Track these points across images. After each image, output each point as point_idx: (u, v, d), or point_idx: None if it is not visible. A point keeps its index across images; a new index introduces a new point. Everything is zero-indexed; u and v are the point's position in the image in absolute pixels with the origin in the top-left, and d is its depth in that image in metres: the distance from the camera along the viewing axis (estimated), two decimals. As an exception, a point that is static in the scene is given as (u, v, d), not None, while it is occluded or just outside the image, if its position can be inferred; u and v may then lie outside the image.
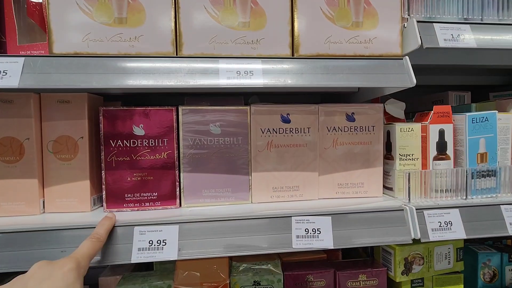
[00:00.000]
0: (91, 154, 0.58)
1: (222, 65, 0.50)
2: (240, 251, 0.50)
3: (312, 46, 0.55)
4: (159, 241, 0.50)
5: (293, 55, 0.55)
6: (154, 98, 0.87)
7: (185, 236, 0.50)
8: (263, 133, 0.60)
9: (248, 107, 0.60)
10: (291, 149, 0.61)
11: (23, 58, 0.47)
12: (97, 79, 0.49)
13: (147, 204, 0.57)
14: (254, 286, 0.60)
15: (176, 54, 0.52)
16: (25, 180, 0.55)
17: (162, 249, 0.49)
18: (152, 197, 0.58)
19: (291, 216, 0.53)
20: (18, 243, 0.48)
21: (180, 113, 0.58)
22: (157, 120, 0.57)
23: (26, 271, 0.43)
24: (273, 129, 0.60)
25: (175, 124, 0.57)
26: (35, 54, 0.51)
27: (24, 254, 0.48)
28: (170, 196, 0.58)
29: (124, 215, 0.55)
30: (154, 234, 0.50)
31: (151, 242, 0.50)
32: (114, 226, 0.50)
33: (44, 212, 0.57)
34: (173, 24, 0.52)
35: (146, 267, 0.73)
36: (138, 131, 0.57)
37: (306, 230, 0.52)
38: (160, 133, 0.57)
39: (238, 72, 0.50)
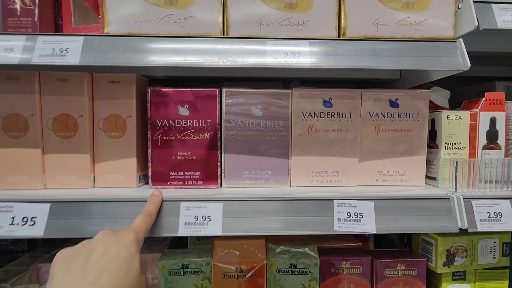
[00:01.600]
0: (138, 133, 0.60)
1: (270, 46, 0.50)
2: (282, 230, 0.51)
3: (359, 28, 0.54)
4: (204, 217, 0.51)
5: (339, 37, 0.55)
6: (193, 84, 0.89)
7: (228, 213, 0.52)
8: (304, 117, 0.60)
9: (290, 90, 0.60)
10: (332, 133, 0.60)
11: (82, 37, 0.49)
12: (149, 57, 0.50)
13: (190, 182, 0.59)
14: (290, 268, 0.61)
15: (224, 35, 0.53)
16: (78, 155, 0.58)
17: (207, 225, 0.51)
18: (195, 176, 0.59)
19: (332, 200, 0.53)
20: (74, 212, 0.51)
21: (223, 95, 0.59)
22: (201, 102, 0.58)
23: (80, 239, 0.46)
24: (314, 113, 0.60)
25: (218, 106, 0.59)
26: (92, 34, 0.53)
27: (79, 222, 0.51)
28: (212, 176, 0.60)
29: (169, 191, 0.57)
30: (199, 210, 0.52)
31: (196, 217, 0.51)
32: (164, 201, 0.52)
33: (94, 186, 0.60)
34: (221, 5, 0.53)
35: (180, 247, 0.76)
36: (183, 111, 0.58)
37: (348, 213, 0.52)
38: (204, 114, 0.58)
39: (286, 53, 0.50)
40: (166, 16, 0.52)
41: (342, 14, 0.54)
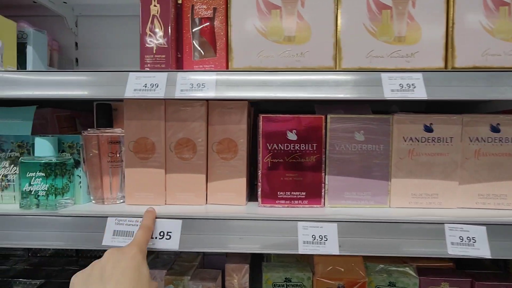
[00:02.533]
0: (247, 155, 0.66)
1: (385, 79, 0.54)
2: (397, 252, 0.54)
3: (468, 59, 0.56)
4: (321, 237, 0.55)
5: (446, 68, 0.57)
6: (283, 105, 0.93)
7: (343, 233, 0.55)
8: (405, 141, 0.62)
9: (391, 116, 0.63)
10: (432, 157, 0.62)
11: (215, 74, 0.56)
12: (265, 90, 0.56)
13: (296, 202, 0.64)
14: (389, 286, 0.63)
15: (336, 68, 0.58)
16: (195, 175, 0.64)
17: (325, 244, 0.55)
18: (301, 196, 0.64)
19: (443, 223, 0.55)
20: (206, 229, 0.56)
21: (328, 121, 0.63)
22: (308, 127, 0.63)
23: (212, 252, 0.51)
24: (415, 137, 0.62)
25: (323, 131, 0.63)
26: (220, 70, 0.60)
27: (208, 238, 0.56)
28: (316, 195, 0.64)
29: (278, 210, 0.62)
30: (316, 230, 0.56)
31: (313, 236, 0.55)
32: (280, 220, 0.57)
33: (207, 203, 0.66)
34: (334, 40, 0.57)
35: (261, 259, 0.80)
36: (292, 136, 0.63)
37: (461, 237, 0.54)
38: (310, 139, 0.63)
39: (401, 85, 0.53)
40: (284, 52, 0.57)
41: (449, 44, 0.57)
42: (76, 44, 1.09)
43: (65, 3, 1.01)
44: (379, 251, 0.55)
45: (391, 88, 0.53)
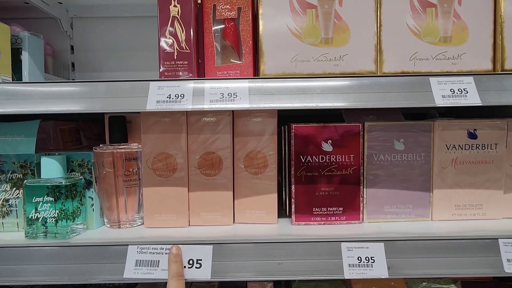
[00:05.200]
0: (277, 169, 0.60)
1: (434, 84, 0.49)
2: (451, 273, 0.49)
3: (518, 60, 0.52)
4: (367, 258, 0.50)
5: (494, 70, 0.53)
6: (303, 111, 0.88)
7: (391, 253, 0.51)
8: (448, 149, 0.58)
9: (432, 122, 0.58)
10: (476, 165, 0.58)
11: (247, 81, 0.50)
12: (304, 99, 0.50)
13: (333, 218, 0.59)
14: (432, 305, 0.59)
15: (378, 72, 0.53)
16: (221, 192, 0.59)
17: (372, 266, 0.50)
18: (338, 212, 0.59)
19: (498, 238, 0.51)
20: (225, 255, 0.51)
21: (365, 129, 0.58)
22: (345, 136, 0.58)
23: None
24: (458, 145, 0.58)
25: (361, 140, 0.58)
26: (255, 77, 0.54)
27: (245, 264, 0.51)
28: (354, 211, 0.59)
29: (314, 228, 0.56)
30: (361, 251, 0.51)
31: (359, 258, 0.50)
32: (322, 241, 0.51)
33: (234, 222, 0.61)
34: (375, 42, 0.52)
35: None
36: (327, 147, 0.58)
37: (517, 254, 0.50)
38: (347, 149, 0.58)
39: (452, 91, 0.49)
40: (321, 55, 0.52)
41: (498, 45, 0.53)
42: (72, 47, 1.01)
43: (60, 3, 0.93)
44: (430, 272, 0.51)
45: (442, 93, 0.49)
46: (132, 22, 1.00)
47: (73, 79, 1.04)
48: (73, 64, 1.04)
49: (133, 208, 0.60)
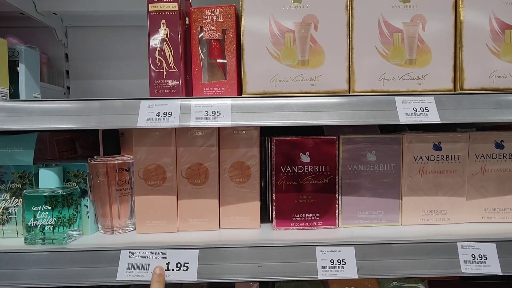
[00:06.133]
0: (259, 179, 0.65)
1: (399, 103, 0.54)
2: (414, 274, 0.55)
3: (477, 81, 0.58)
4: (339, 261, 0.56)
5: (455, 90, 0.58)
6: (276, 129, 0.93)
7: (360, 256, 0.56)
8: (415, 160, 0.64)
9: (401, 135, 0.64)
10: (441, 175, 0.64)
11: (230, 100, 0.54)
12: (282, 116, 0.55)
13: (311, 224, 0.64)
14: (402, 302, 0.65)
15: (350, 91, 0.58)
16: (208, 200, 0.63)
17: (343, 268, 0.55)
18: (315, 218, 0.64)
19: (456, 242, 0.57)
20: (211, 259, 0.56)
21: (340, 142, 0.63)
22: (321, 149, 0.63)
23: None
24: (425, 156, 0.64)
25: (336, 152, 0.63)
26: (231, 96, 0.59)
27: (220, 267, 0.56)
28: (330, 216, 0.64)
29: (294, 233, 0.61)
30: (333, 254, 0.56)
31: (332, 261, 0.55)
32: (298, 246, 0.56)
33: (220, 228, 0.65)
34: (347, 64, 0.57)
35: None
36: (305, 158, 0.63)
37: (473, 255, 0.56)
38: (323, 160, 0.63)
39: (415, 109, 0.54)
40: (298, 76, 0.56)
41: (459, 66, 0.58)
42: (67, 55, 1.05)
43: (55, 14, 0.96)
44: (396, 273, 0.56)
45: (406, 112, 0.54)
46: (124, 31, 1.04)
47: (67, 87, 1.07)
48: (67, 72, 1.07)
49: (126, 215, 0.64)
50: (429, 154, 0.64)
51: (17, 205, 0.60)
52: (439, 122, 0.53)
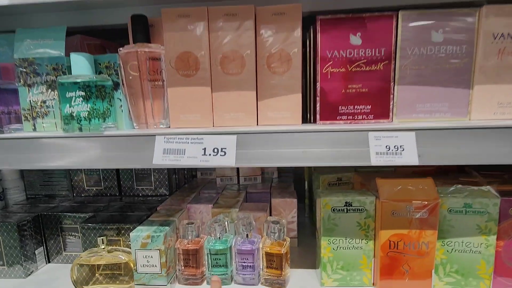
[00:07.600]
0: (302, 67, 0.58)
1: None
2: (483, 161, 0.46)
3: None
4: (396, 147, 0.49)
5: None
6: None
7: (421, 143, 0.48)
8: (495, 38, 0.52)
9: (479, 9, 0.52)
10: (527, 57, 0.52)
11: None
12: None
13: (360, 117, 0.56)
14: (464, 208, 0.57)
15: None
16: (245, 92, 0.58)
17: (401, 154, 0.48)
18: (365, 110, 0.56)
19: (546, 127, 0.47)
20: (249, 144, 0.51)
21: (399, 19, 0.53)
22: (376, 28, 0.53)
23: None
24: (508, 34, 0.52)
25: (394, 32, 0.54)
26: None
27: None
28: (383, 110, 0.56)
29: (340, 127, 0.53)
30: (390, 140, 0.49)
31: (388, 147, 0.49)
32: (348, 131, 0.50)
33: (257, 124, 0.60)
34: None
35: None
36: (355, 40, 0.54)
37: None
38: (378, 42, 0.54)
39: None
40: None
41: None
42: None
43: None
44: (463, 160, 0.48)
45: None
46: None
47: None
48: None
49: (159, 113, 0.61)
50: (513, 31, 0.52)
51: (54, 98, 0.60)
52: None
